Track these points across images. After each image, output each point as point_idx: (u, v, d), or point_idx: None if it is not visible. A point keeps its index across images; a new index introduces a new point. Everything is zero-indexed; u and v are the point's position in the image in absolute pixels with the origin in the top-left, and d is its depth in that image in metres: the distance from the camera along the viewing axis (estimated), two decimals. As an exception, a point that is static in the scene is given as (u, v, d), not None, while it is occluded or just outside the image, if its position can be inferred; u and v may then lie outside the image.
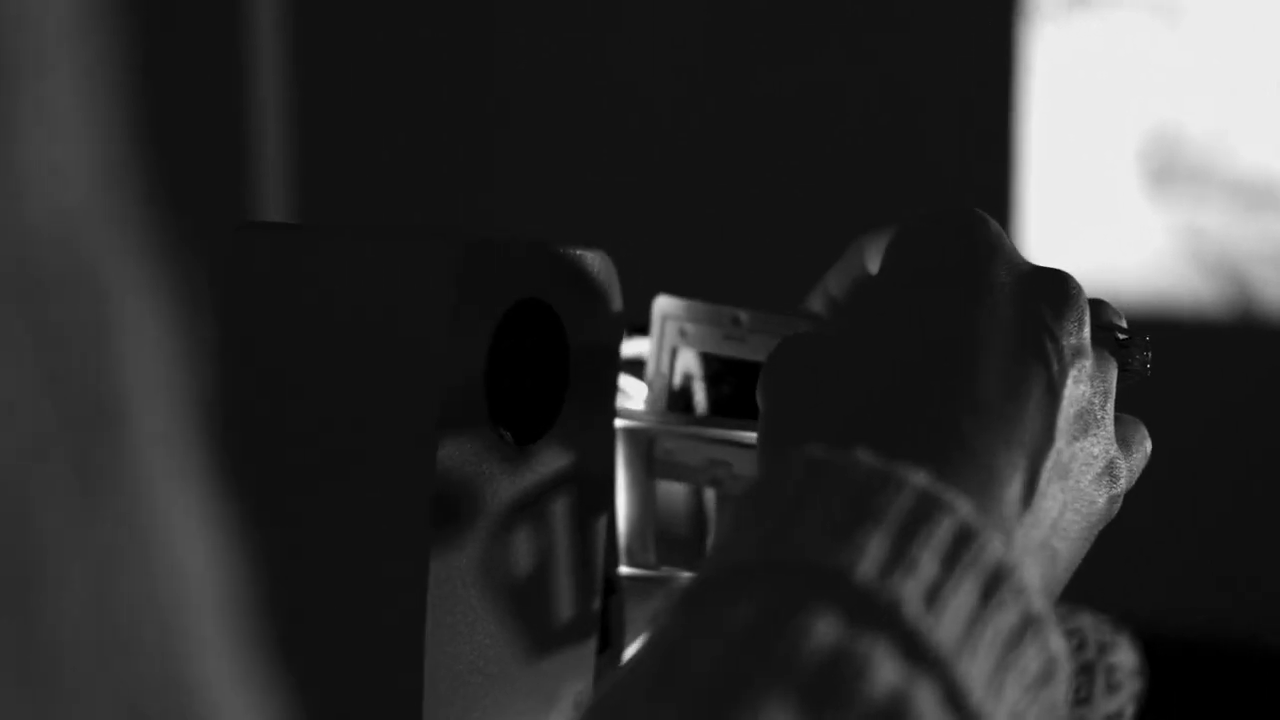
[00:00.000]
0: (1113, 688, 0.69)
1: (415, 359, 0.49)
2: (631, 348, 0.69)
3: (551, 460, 0.54)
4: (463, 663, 0.51)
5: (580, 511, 0.56)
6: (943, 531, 0.38)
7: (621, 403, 0.67)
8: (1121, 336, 0.50)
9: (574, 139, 2.35)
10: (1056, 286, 0.47)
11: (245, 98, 2.25)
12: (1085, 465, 0.46)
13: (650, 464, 0.61)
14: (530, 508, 0.53)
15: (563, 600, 0.55)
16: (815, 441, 0.43)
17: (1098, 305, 0.50)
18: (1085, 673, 0.68)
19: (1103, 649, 0.70)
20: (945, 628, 0.37)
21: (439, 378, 0.48)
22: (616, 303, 0.56)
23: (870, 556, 0.37)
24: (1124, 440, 0.49)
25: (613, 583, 0.61)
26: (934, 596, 0.37)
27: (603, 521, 0.57)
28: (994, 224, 0.48)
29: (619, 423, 0.61)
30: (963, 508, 0.39)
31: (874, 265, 0.55)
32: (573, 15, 2.32)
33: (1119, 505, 0.48)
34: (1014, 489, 0.43)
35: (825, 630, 0.35)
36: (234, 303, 0.51)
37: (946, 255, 0.47)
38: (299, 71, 2.28)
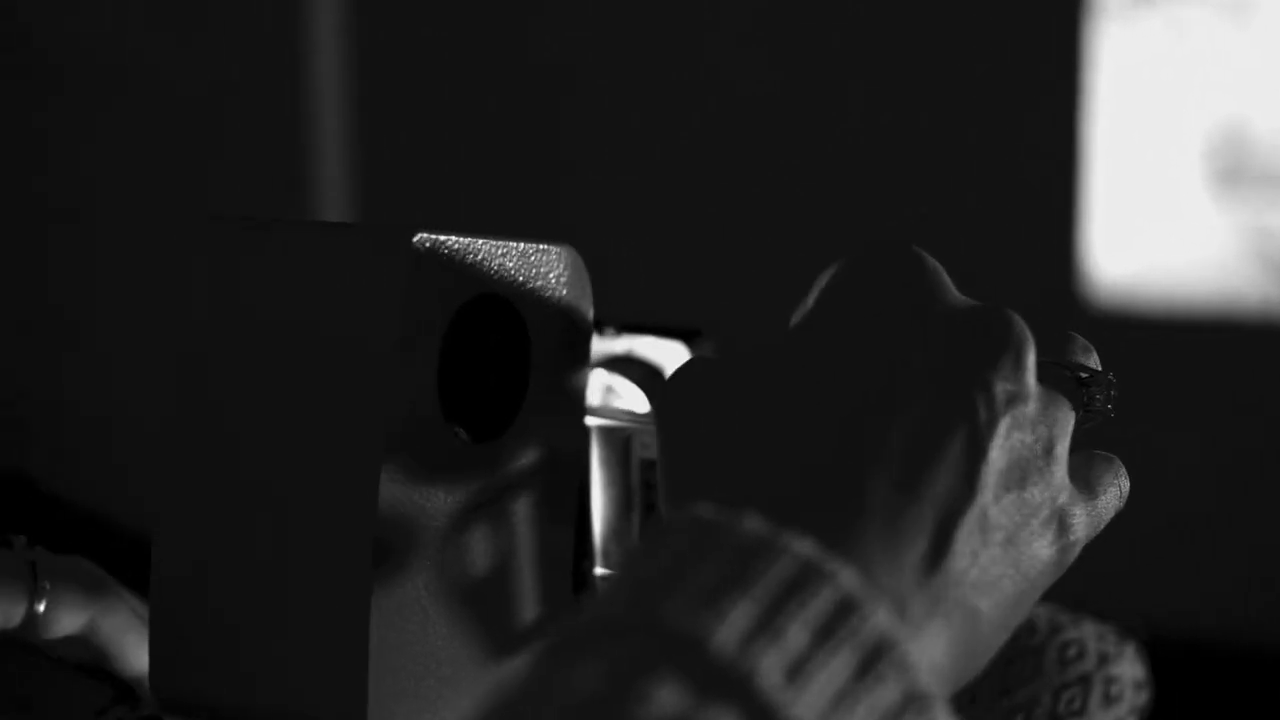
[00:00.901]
0: (1111, 700, 0.67)
1: (363, 354, 0.48)
2: (621, 345, 0.68)
3: (512, 458, 0.53)
4: (412, 664, 0.50)
5: (546, 511, 0.55)
6: (820, 602, 0.36)
7: (613, 403, 0.66)
8: (1082, 375, 0.47)
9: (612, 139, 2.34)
10: (993, 328, 0.44)
11: (302, 104, 2.26)
12: (1022, 517, 0.43)
13: (627, 463, 0.60)
14: (490, 507, 0.53)
15: (527, 601, 0.54)
16: (715, 486, 0.41)
17: (1061, 341, 0.48)
18: (1081, 684, 0.66)
19: (1103, 659, 0.68)
20: (807, 702, 0.35)
21: (387, 374, 0.48)
22: (586, 299, 0.55)
23: (732, 624, 0.35)
24: (1086, 482, 0.47)
25: (588, 583, 0.60)
26: (798, 669, 0.35)
27: (571, 521, 0.56)
28: (930, 262, 0.46)
29: (595, 421, 0.60)
30: (846, 578, 0.37)
31: None
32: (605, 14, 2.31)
33: (1074, 554, 0.46)
34: (918, 549, 0.41)
35: (669, 699, 0.34)
36: (194, 296, 0.51)
37: (875, 295, 0.45)
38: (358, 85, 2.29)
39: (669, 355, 0.67)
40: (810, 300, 0.47)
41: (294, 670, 0.49)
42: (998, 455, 0.43)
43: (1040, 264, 2.14)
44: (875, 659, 0.36)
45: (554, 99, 2.34)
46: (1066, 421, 0.46)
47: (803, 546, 0.38)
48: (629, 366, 0.67)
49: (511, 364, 0.53)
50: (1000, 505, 0.43)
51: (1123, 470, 0.48)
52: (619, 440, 0.60)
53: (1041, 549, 0.44)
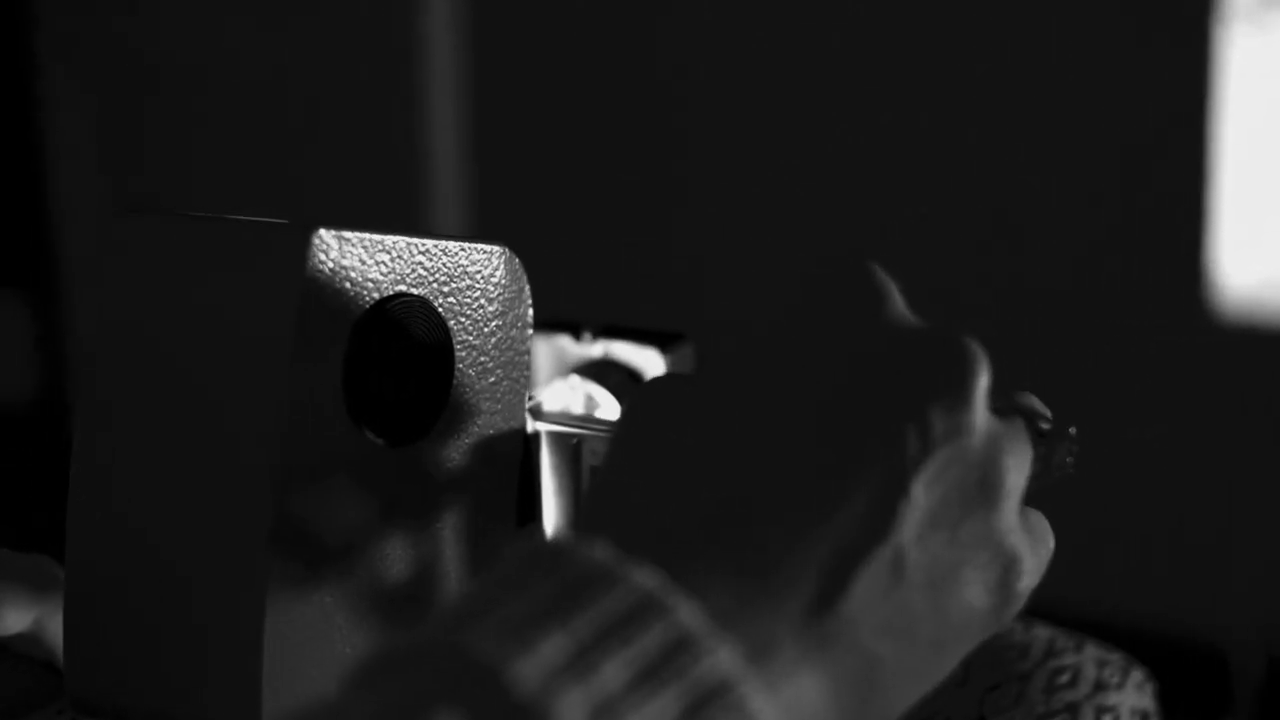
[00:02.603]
0: (1104, 730, 0.64)
1: (260, 355, 0.47)
2: (598, 349, 0.66)
3: (435, 463, 0.52)
4: (316, 672, 0.49)
5: (478, 518, 0.53)
6: (650, 638, 0.34)
7: (594, 411, 0.64)
8: (1043, 426, 0.44)
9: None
10: (941, 355, 0.41)
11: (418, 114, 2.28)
12: (953, 560, 0.40)
13: (578, 468, 0.59)
14: (408, 512, 0.51)
15: (453, 610, 0.53)
16: (620, 516, 0.39)
17: (1015, 392, 0.45)
18: (1069, 712, 0.63)
19: (1099, 687, 0.65)
20: None
21: (286, 375, 0.46)
22: (521, 302, 0.54)
23: (539, 656, 0.33)
24: (1029, 534, 0.43)
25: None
26: (607, 709, 0.33)
27: (508, 529, 0.55)
28: (884, 282, 0.43)
29: (544, 426, 0.58)
30: (686, 613, 0.35)
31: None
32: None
33: (1017, 606, 0.42)
34: (804, 587, 0.38)
35: None
36: (103, 291, 0.50)
37: (822, 318, 0.42)
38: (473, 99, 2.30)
39: (647, 360, 0.65)
40: (765, 322, 0.44)
41: (193, 676, 0.48)
42: (923, 492, 0.39)
43: (1167, 272, 2.07)
44: (705, 702, 0.34)
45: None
46: (1022, 462, 0.42)
47: (645, 578, 0.35)
48: (607, 372, 0.66)
49: (433, 366, 0.51)
50: (924, 545, 0.39)
51: (1049, 530, 0.44)
52: (569, 446, 0.58)
53: (975, 596, 0.41)
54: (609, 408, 0.64)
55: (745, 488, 0.39)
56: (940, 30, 2.13)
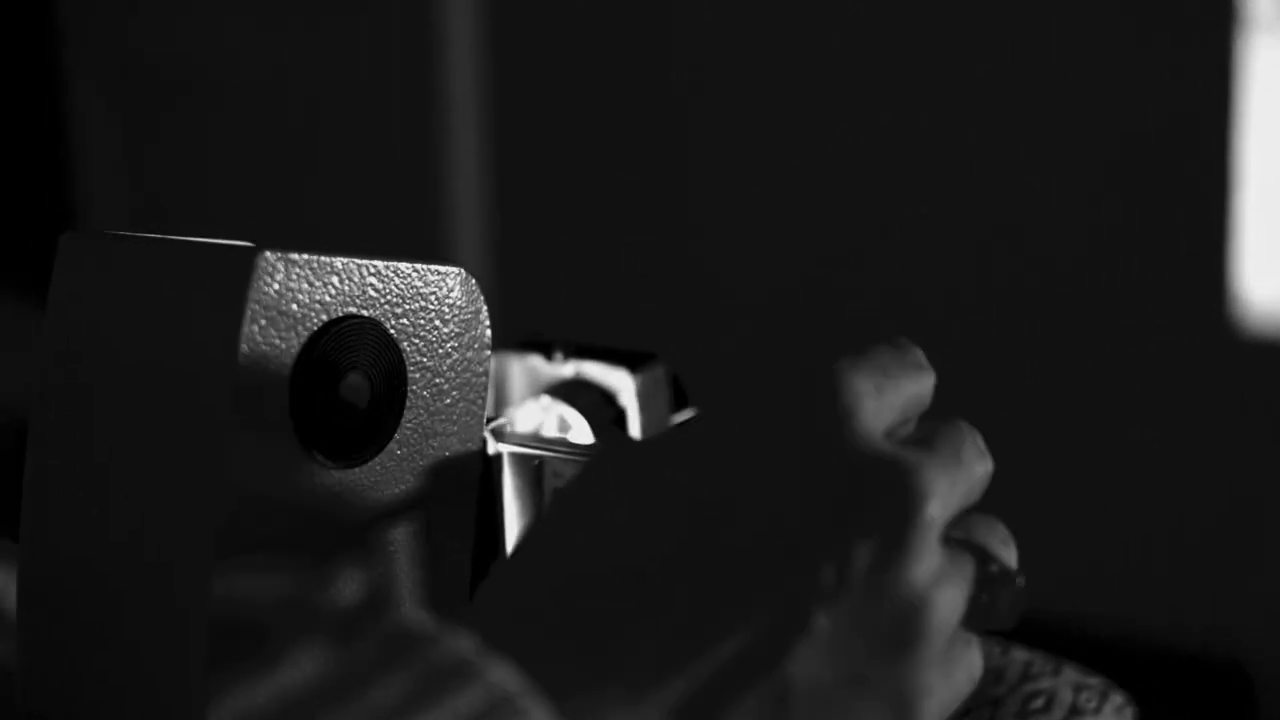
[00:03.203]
0: (1079, 755, 0.63)
1: (204, 376, 0.47)
2: (569, 369, 0.66)
3: (388, 485, 0.51)
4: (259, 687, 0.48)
5: (434, 540, 0.53)
6: None
7: (568, 434, 0.64)
8: (991, 569, 0.41)
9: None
10: (885, 493, 0.39)
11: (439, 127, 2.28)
12: (847, 702, 0.38)
13: (540, 491, 0.58)
14: (360, 533, 0.51)
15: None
16: (516, 593, 0.39)
17: (982, 521, 0.43)
18: (1040, 737, 0.62)
19: (1074, 712, 0.64)
20: None
21: (229, 398, 0.46)
22: (478, 323, 0.54)
23: None
24: (945, 662, 0.40)
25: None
26: None
27: (466, 551, 0.55)
28: (852, 397, 0.40)
29: (505, 448, 0.58)
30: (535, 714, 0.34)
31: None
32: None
33: None
34: (676, 708, 0.37)
35: None
36: (53, 312, 0.50)
37: (774, 424, 0.40)
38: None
39: (618, 380, 0.65)
40: (722, 415, 0.42)
41: (136, 695, 0.48)
42: (828, 627, 0.38)
43: (1189, 286, 2.06)
44: None
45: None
46: (956, 606, 0.40)
47: (503, 678, 0.35)
48: (579, 392, 0.66)
49: (385, 388, 0.51)
50: (817, 682, 0.38)
51: (979, 652, 0.42)
52: (531, 468, 0.58)
53: None
54: (580, 429, 0.64)
55: (642, 598, 0.38)
56: (954, 37, 2.12)
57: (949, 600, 0.39)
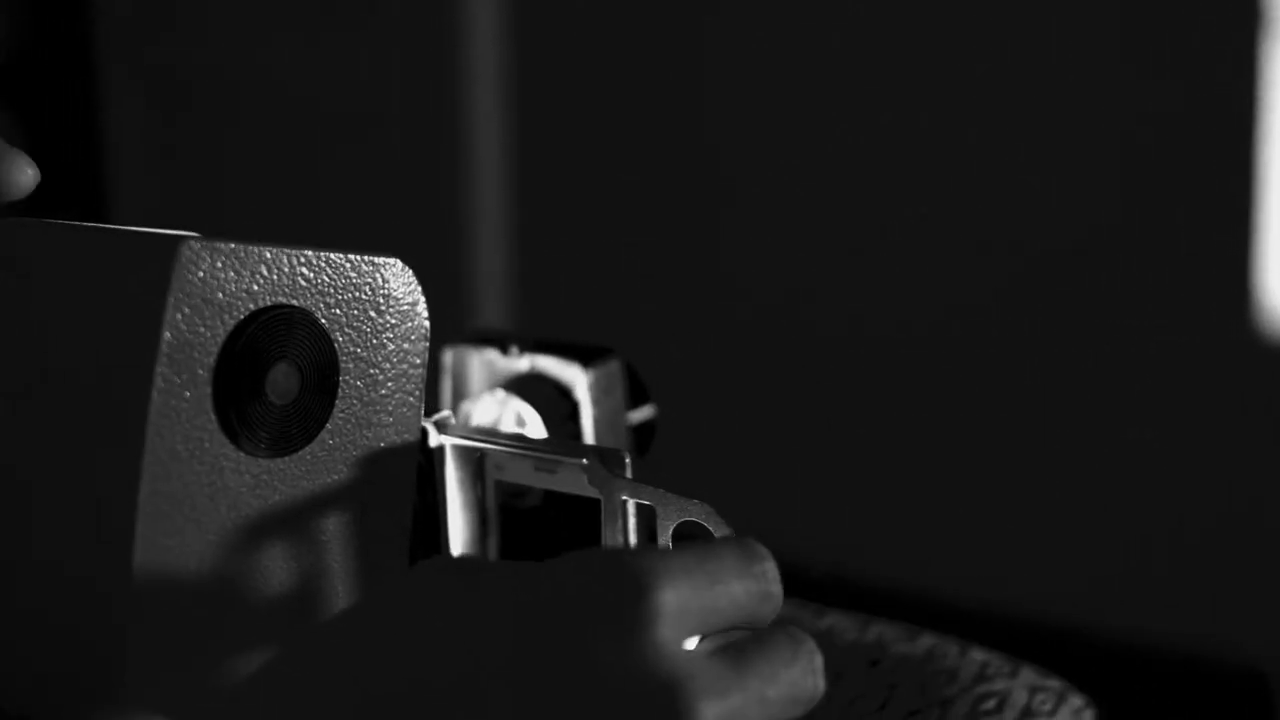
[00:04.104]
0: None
1: (129, 368, 0.47)
2: (523, 364, 0.66)
3: (318, 475, 0.51)
4: (185, 685, 0.49)
5: (363, 529, 0.53)
6: None
7: (524, 429, 0.64)
8: None
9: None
10: (643, 709, 0.38)
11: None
12: None
13: (481, 483, 0.58)
14: (291, 523, 0.51)
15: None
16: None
17: None
18: (987, 738, 0.62)
19: (1027, 714, 0.63)
20: None
21: (150, 388, 0.47)
22: (414, 314, 0.54)
23: None
24: None
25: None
26: None
27: (401, 541, 0.54)
28: (648, 608, 0.39)
29: (448, 440, 0.58)
30: None
31: None
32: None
33: None
34: None
35: None
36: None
37: (564, 628, 0.39)
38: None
39: (573, 375, 0.65)
40: (532, 581, 0.41)
41: (63, 688, 0.48)
42: None
43: (1214, 294, 2.04)
44: None
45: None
46: None
47: None
48: (534, 388, 0.66)
49: (315, 378, 0.51)
50: None
51: None
52: (473, 459, 0.58)
53: None
54: (534, 424, 0.64)
55: None
56: (960, 35, 2.11)
57: None
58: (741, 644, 0.41)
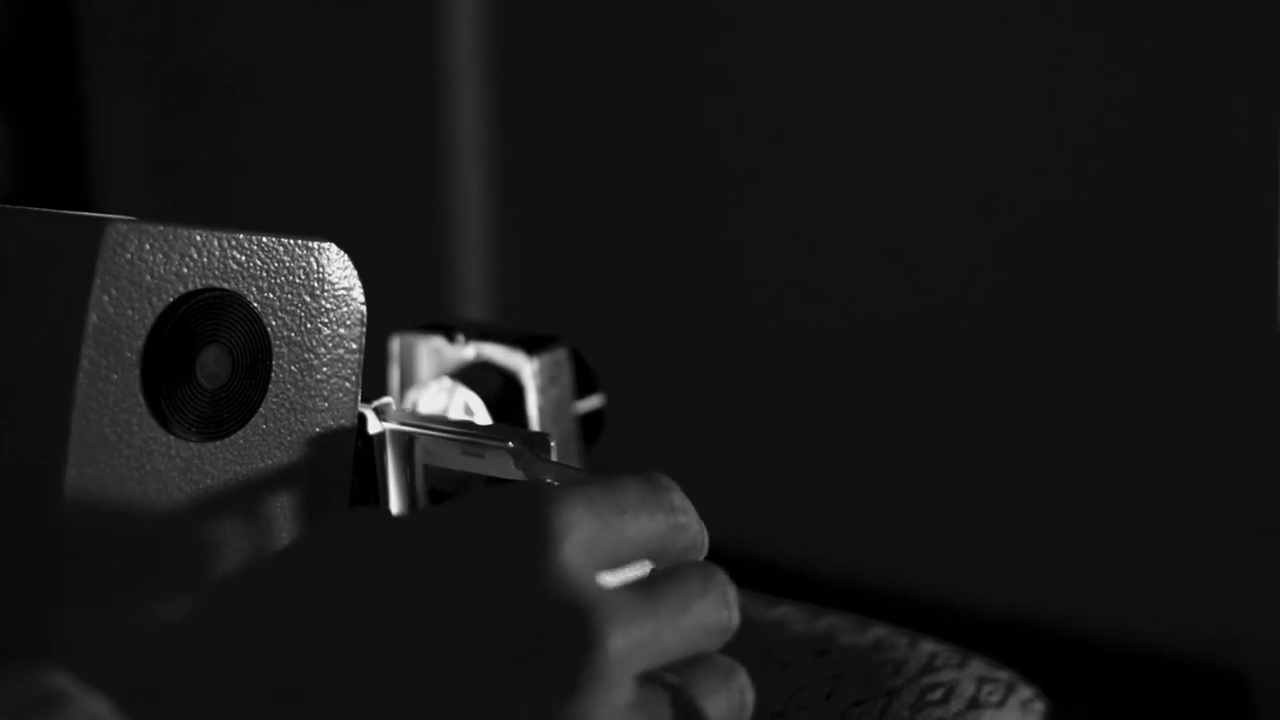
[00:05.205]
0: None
1: (54, 351, 0.47)
2: (470, 352, 0.66)
3: (252, 459, 0.51)
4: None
5: (299, 512, 0.53)
6: None
7: (471, 418, 0.64)
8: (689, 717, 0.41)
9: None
10: (564, 643, 0.38)
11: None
12: None
13: (410, 468, 0.58)
14: (224, 507, 0.51)
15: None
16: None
17: (708, 668, 0.41)
18: (932, 730, 0.61)
19: (973, 704, 0.63)
20: None
21: (75, 371, 0.46)
22: (350, 298, 0.53)
23: None
24: None
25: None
26: None
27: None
28: (556, 525, 0.39)
29: (388, 426, 0.58)
30: None
31: None
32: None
33: None
34: None
35: None
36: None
37: (475, 555, 0.39)
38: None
39: (518, 363, 0.65)
40: (436, 519, 0.42)
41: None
42: None
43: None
44: None
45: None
46: None
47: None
48: (480, 376, 0.65)
49: (247, 362, 0.51)
50: None
51: None
52: (402, 443, 0.58)
53: None
54: (480, 412, 0.64)
55: (306, 703, 0.38)
56: (960, 34, 2.11)
57: None
58: (653, 576, 0.41)
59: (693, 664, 0.41)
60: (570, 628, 0.38)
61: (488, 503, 0.41)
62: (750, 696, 0.42)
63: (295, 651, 0.39)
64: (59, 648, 0.46)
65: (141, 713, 0.37)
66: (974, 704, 0.63)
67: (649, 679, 0.40)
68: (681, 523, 0.42)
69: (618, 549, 0.40)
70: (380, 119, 2.34)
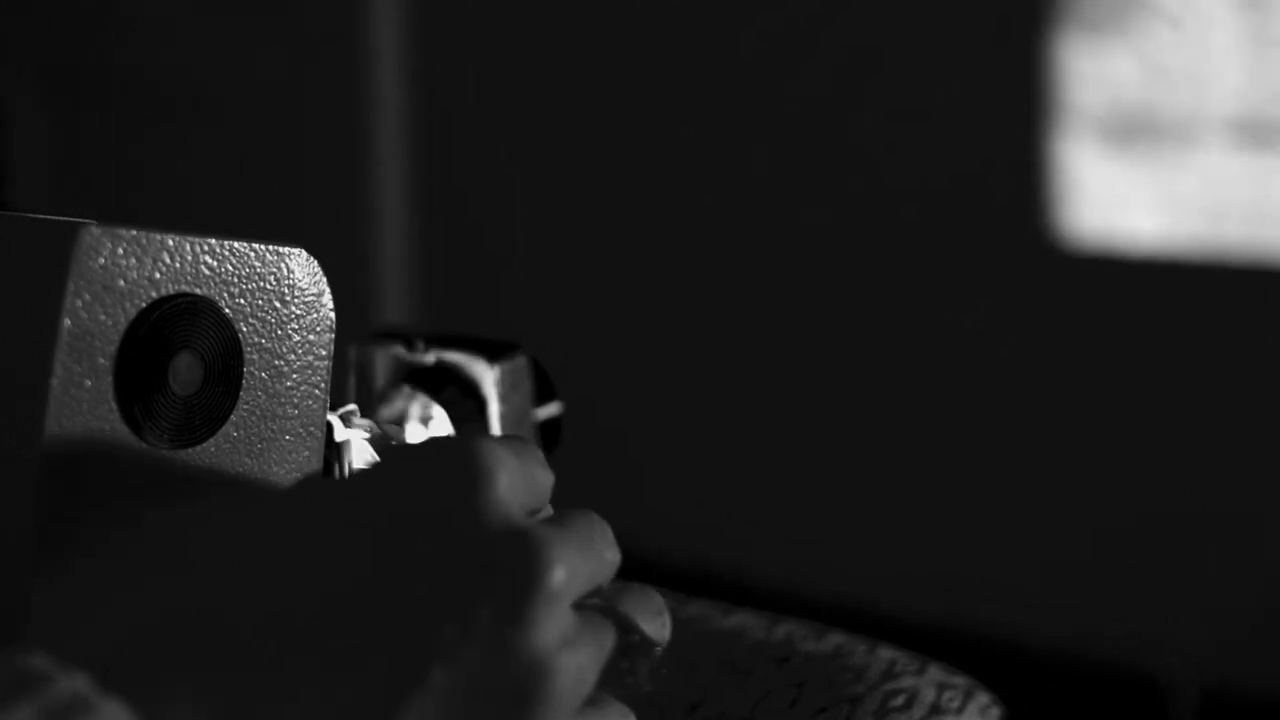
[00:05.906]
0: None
1: (26, 356, 0.46)
2: (430, 359, 0.65)
3: (223, 465, 0.50)
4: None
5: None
6: None
7: (438, 429, 0.63)
8: (633, 638, 0.44)
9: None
10: (510, 561, 0.40)
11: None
12: None
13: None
14: (193, 514, 0.50)
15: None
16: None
17: (633, 592, 0.44)
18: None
19: (935, 711, 0.63)
20: None
21: (47, 376, 0.45)
22: (320, 304, 0.53)
23: None
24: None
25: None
26: None
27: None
28: (487, 463, 0.41)
29: (354, 434, 0.57)
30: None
31: None
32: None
33: None
34: None
35: None
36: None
37: (410, 496, 0.41)
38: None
39: (479, 371, 0.65)
40: (368, 476, 0.43)
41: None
42: (444, 681, 0.38)
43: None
44: None
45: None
46: (588, 672, 0.41)
47: (112, 713, 0.35)
48: (440, 384, 0.65)
49: (219, 367, 0.50)
50: None
51: (619, 716, 0.43)
52: (371, 450, 0.57)
53: None
54: (440, 420, 0.63)
55: (263, 645, 0.39)
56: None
57: (576, 665, 0.40)
58: (554, 517, 0.43)
59: (614, 590, 0.44)
60: (518, 558, 0.40)
61: (421, 453, 0.42)
62: (668, 615, 0.45)
63: (263, 582, 0.40)
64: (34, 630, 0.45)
65: (118, 682, 0.37)
66: (936, 710, 0.63)
67: (579, 605, 0.42)
68: (549, 474, 0.45)
69: (530, 489, 0.43)
70: (295, 123, 2.32)
